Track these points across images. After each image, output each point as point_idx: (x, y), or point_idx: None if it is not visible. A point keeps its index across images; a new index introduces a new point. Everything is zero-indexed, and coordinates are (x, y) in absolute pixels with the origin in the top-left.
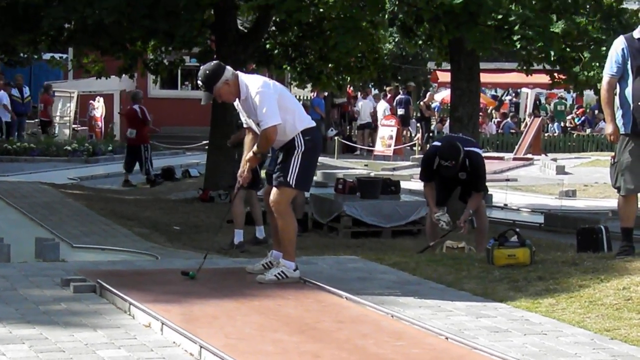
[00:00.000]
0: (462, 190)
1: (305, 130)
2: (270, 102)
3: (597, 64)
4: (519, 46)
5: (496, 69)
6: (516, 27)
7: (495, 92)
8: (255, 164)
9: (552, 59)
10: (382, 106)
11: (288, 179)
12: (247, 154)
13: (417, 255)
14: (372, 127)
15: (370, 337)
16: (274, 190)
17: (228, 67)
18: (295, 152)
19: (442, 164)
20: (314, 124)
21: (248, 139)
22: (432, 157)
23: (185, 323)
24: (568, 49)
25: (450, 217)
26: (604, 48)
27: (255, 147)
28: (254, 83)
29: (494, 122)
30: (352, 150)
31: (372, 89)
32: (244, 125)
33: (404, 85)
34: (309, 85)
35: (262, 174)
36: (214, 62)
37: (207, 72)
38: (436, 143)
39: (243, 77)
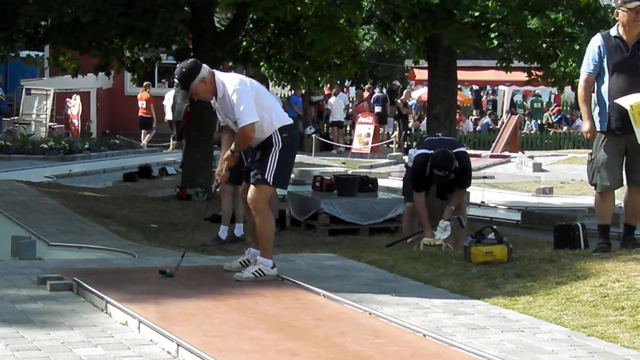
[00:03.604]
0: (442, 187)
1: (283, 127)
2: (248, 100)
3: (573, 59)
4: (496, 43)
5: (473, 67)
6: (493, 25)
7: (472, 88)
8: (233, 163)
9: (530, 54)
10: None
11: (266, 177)
12: (225, 153)
13: (394, 252)
14: (344, 125)
15: (348, 334)
16: (252, 187)
17: (204, 65)
18: (273, 149)
19: (436, 173)
20: (291, 121)
21: (225, 137)
22: (424, 166)
23: (163, 321)
24: (545, 45)
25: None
26: (577, 45)
27: (233, 146)
28: (230, 81)
29: (471, 119)
30: (329, 147)
31: (350, 87)
32: (221, 124)
33: (381, 83)
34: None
35: None
36: (191, 60)
37: (184, 70)
38: (424, 151)
39: (219, 75)
